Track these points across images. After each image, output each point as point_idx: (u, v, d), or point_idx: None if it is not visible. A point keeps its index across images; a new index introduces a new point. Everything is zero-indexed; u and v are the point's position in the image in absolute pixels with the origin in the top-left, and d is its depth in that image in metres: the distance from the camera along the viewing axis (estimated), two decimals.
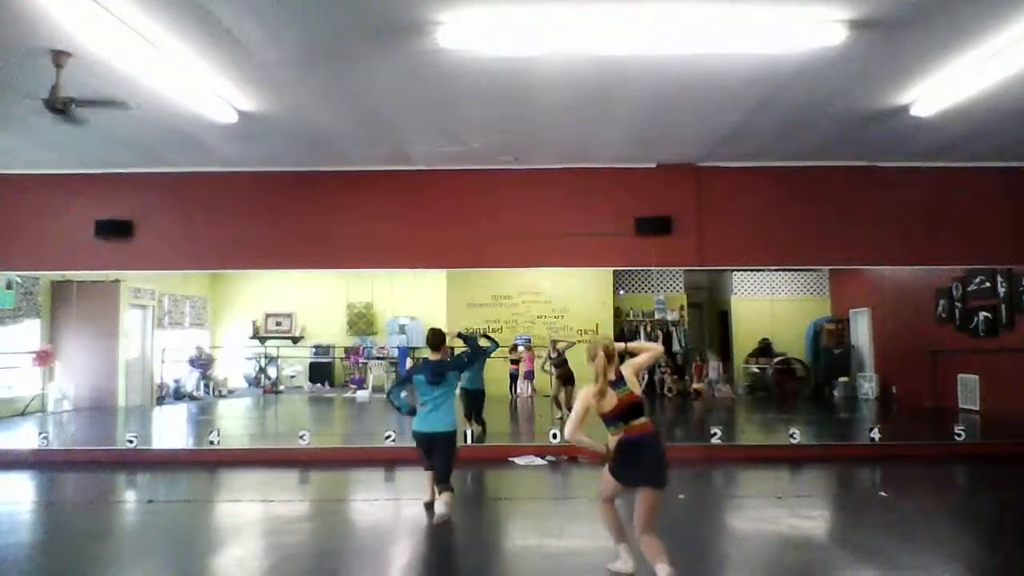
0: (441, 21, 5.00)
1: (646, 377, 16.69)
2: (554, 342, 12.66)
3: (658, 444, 4.42)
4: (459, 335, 9.39)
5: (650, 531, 4.25)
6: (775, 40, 5.25)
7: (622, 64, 5.80)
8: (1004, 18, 5.01)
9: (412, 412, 6.31)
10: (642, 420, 4.38)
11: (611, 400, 4.34)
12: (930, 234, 8.91)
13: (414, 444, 6.34)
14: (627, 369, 4.49)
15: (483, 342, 8.89)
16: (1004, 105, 6.66)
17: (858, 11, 4.89)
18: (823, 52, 5.49)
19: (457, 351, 9.64)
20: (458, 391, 8.98)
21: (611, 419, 4.39)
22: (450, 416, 6.26)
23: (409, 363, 17.68)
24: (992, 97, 6.39)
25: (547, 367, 12.58)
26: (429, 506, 6.31)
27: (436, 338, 6.51)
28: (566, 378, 12.03)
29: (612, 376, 4.40)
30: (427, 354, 6.55)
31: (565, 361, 12.19)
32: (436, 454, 6.20)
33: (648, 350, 4.62)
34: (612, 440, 4.41)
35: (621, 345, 4.66)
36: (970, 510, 6.77)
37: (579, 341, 13.23)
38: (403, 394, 6.45)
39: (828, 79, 6.14)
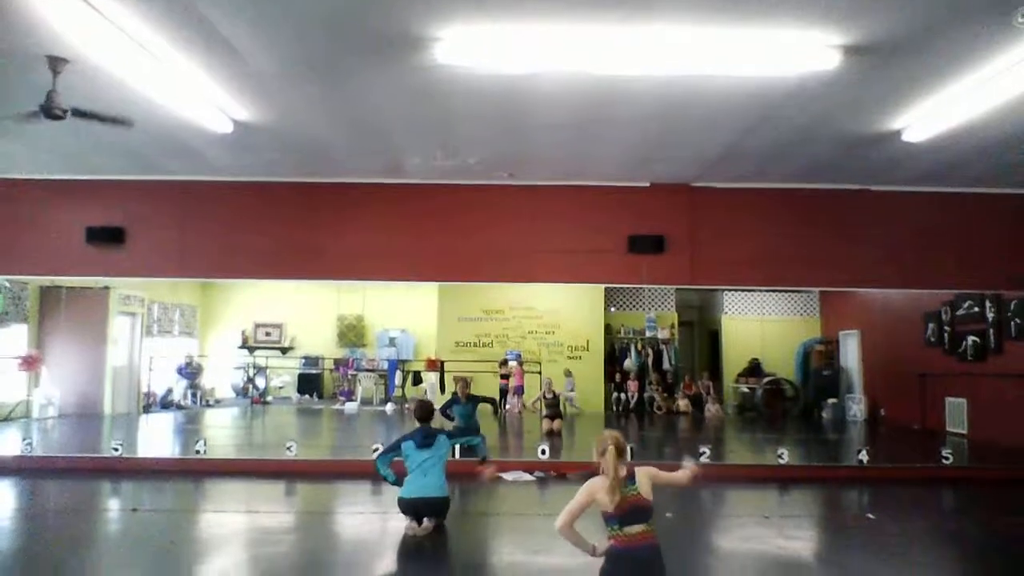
0: (439, 37, 5.04)
1: (636, 395, 16.70)
2: (549, 381, 12.71)
3: (657, 561, 3.90)
4: (463, 384, 10.15)
5: None
6: (770, 63, 5.30)
7: (618, 84, 5.84)
8: (994, 47, 5.08)
9: (398, 482, 6.15)
10: (641, 528, 3.88)
11: (614, 497, 3.88)
12: (921, 258, 8.98)
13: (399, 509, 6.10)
14: (644, 474, 4.06)
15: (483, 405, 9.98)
16: (994, 132, 6.74)
17: (852, 37, 4.95)
18: (817, 76, 5.55)
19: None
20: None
21: (609, 518, 3.92)
22: (441, 480, 6.10)
23: (399, 375, 17.65)
24: (982, 124, 6.46)
25: (539, 405, 12.63)
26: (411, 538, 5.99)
27: (424, 410, 6.45)
28: (556, 415, 12.18)
29: (623, 473, 3.97)
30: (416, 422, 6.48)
31: (558, 402, 12.29)
32: (426, 516, 6.00)
33: (679, 480, 4.24)
34: (604, 543, 3.95)
35: (655, 471, 4.16)
36: (957, 534, 6.77)
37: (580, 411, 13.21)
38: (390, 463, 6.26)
39: (821, 103, 6.20)
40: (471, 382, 11.02)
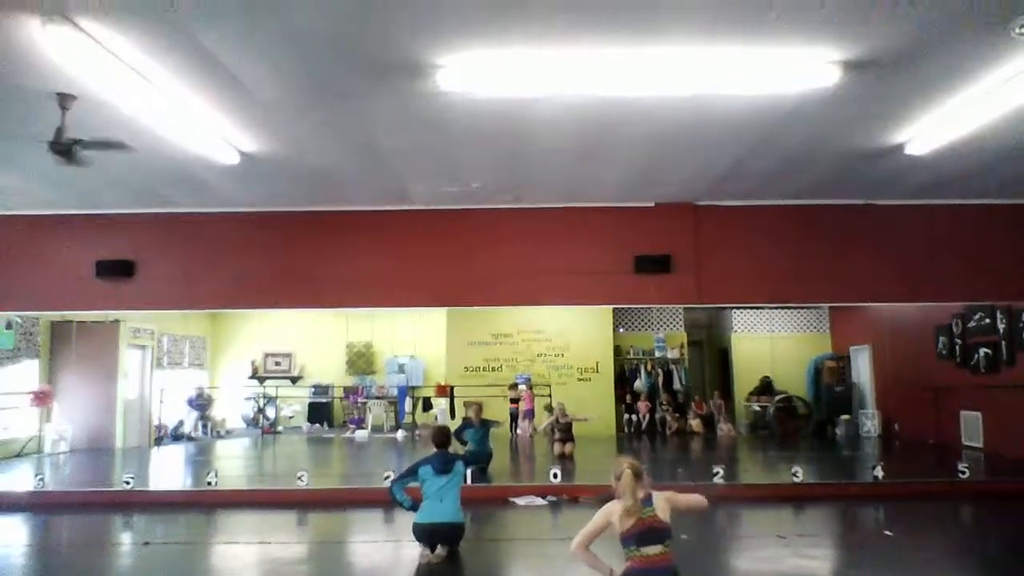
0: (440, 64, 5.09)
1: (647, 416, 16.63)
2: (562, 407, 12.65)
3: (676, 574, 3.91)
4: (477, 409, 10.48)
5: None
6: (771, 81, 5.33)
7: (620, 105, 5.88)
8: (995, 58, 5.09)
9: (413, 508, 6.14)
10: (659, 549, 3.89)
11: (630, 519, 3.93)
12: (929, 271, 8.95)
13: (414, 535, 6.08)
14: (662, 497, 4.09)
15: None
16: (997, 143, 6.74)
17: (851, 52, 4.97)
18: (818, 93, 5.58)
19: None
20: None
21: (625, 539, 3.96)
22: (457, 505, 6.11)
23: (409, 402, 17.63)
24: (985, 135, 6.47)
25: (549, 429, 12.54)
26: (424, 566, 5.94)
27: (442, 436, 6.48)
28: (568, 439, 12.10)
29: (640, 495, 4.01)
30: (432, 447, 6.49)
31: (571, 426, 12.22)
32: (440, 542, 6.00)
33: (696, 504, 4.29)
34: (620, 568, 3.96)
35: (672, 495, 4.21)
36: (975, 548, 6.69)
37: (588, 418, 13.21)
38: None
39: (823, 119, 6.22)
40: (483, 407, 11.05)
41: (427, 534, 5.98)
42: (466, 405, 10.82)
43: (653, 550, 3.87)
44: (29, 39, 4.61)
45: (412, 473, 6.26)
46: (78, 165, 5.95)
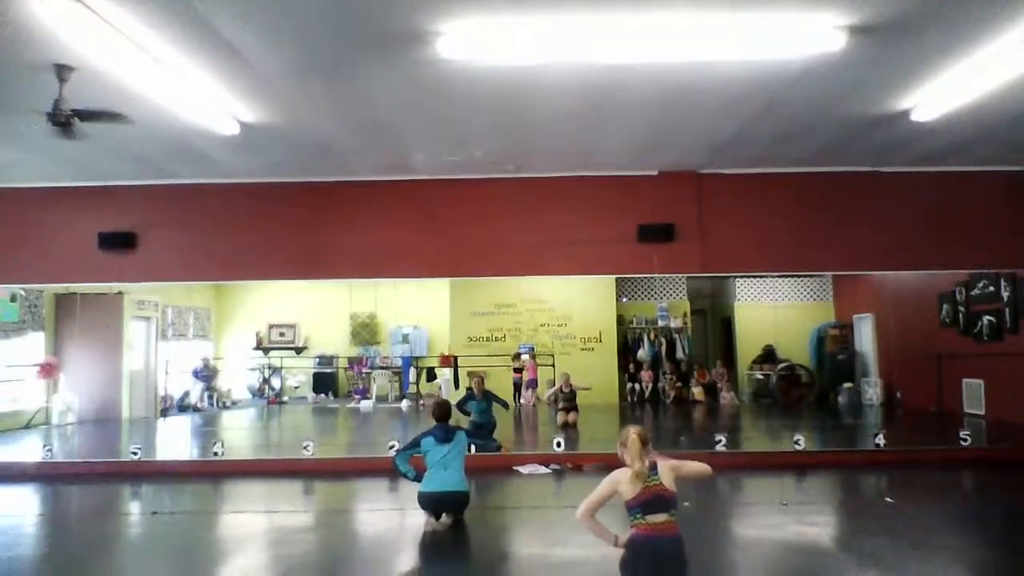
0: (441, 32, 5.03)
1: (650, 385, 16.70)
2: (567, 376, 12.67)
3: (679, 552, 3.93)
4: (479, 381, 10.46)
5: None
6: (775, 47, 5.26)
7: (622, 72, 5.82)
8: (1002, 22, 5.02)
9: (418, 478, 6.19)
10: (664, 517, 3.90)
11: (638, 487, 3.93)
12: (933, 238, 8.91)
13: (419, 505, 6.14)
14: (667, 466, 4.08)
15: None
16: (1005, 109, 6.66)
17: (857, 17, 4.90)
18: (823, 58, 5.51)
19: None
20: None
21: (631, 507, 3.96)
22: (461, 474, 6.18)
23: (413, 372, 17.70)
24: (993, 101, 6.39)
25: (553, 398, 12.57)
26: (430, 533, 6.01)
27: (443, 410, 6.51)
28: (572, 408, 12.14)
29: (647, 462, 4.00)
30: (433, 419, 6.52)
31: (575, 396, 12.24)
32: (446, 511, 6.09)
33: (701, 472, 4.24)
34: (625, 535, 3.98)
35: (677, 463, 4.20)
36: (977, 515, 6.74)
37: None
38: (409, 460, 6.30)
39: (828, 85, 6.15)
40: (485, 378, 11.07)
41: (432, 503, 6.05)
42: (469, 375, 10.84)
43: (658, 518, 3.89)
44: (27, 10, 4.56)
45: (415, 445, 6.30)
46: (76, 138, 5.93)
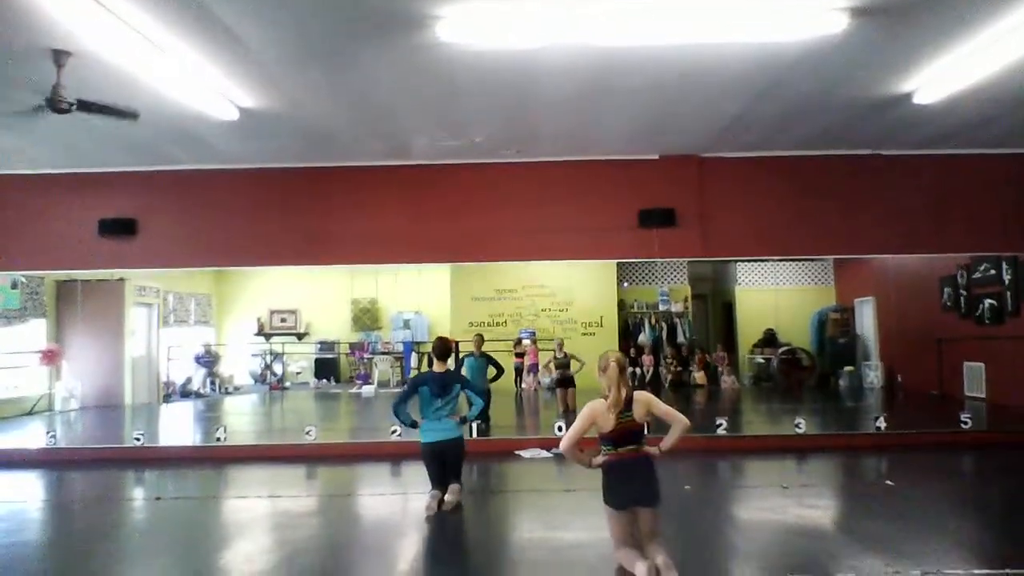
0: (440, 15, 5.00)
1: (652, 369, 16.72)
2: (560, 341, 12.66)
3: (647, 464, 4.42)
4: (479, 340, 10.32)
5: (655, 539, 4.35)
6: (776, 29, 5.23)
7: (623, 55, 5.79)
8: (1005, 4, 4.98)
9: (414, 426, 6.31)
10: (633, 447, 4.42)
11: (612, 421, 4.38)
12: (935, 222, 8.89)
13: (423, 459, 6.32)
14: (641, 402, 4.43)
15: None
16: (1008, 91, 6.64)
17: None
18: (824, 40, 5.48)
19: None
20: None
21: (604, 439, 4.44)
22: (453, 422, 6.31)
23: (414, 357, 17.73)
24: (995, 84, 6.37)
25: (550, 365, 12.59)
26: (431, 518, 6.02)
27: (442, 347, 6.52)
28: (567, 381, 12.05)
29: (624, 392, 4.39)
30: (434, 364, 6.52)
31: (568, 363, 12.20)
32: (447, 461, 6.23)
33: (678, 422, 4.45)
34: (599, 459, 4.51)
35: (652, 399, 4.51)
36: (977, 498, 6.76)
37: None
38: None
39: (830, 68, 6.12)
40: (483, 339, 10.86)
41: (433, 454, 6.22)
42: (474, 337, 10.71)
43: (628, 448, 4.41)
44: None
45: (412, 392, 6.37)
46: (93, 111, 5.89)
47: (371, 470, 8.16)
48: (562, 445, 4.44)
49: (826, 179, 8.97)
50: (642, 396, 4.46)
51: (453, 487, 6.19)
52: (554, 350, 12.60)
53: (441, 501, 6.14)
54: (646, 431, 4.54)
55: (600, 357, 4.51)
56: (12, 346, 12.82)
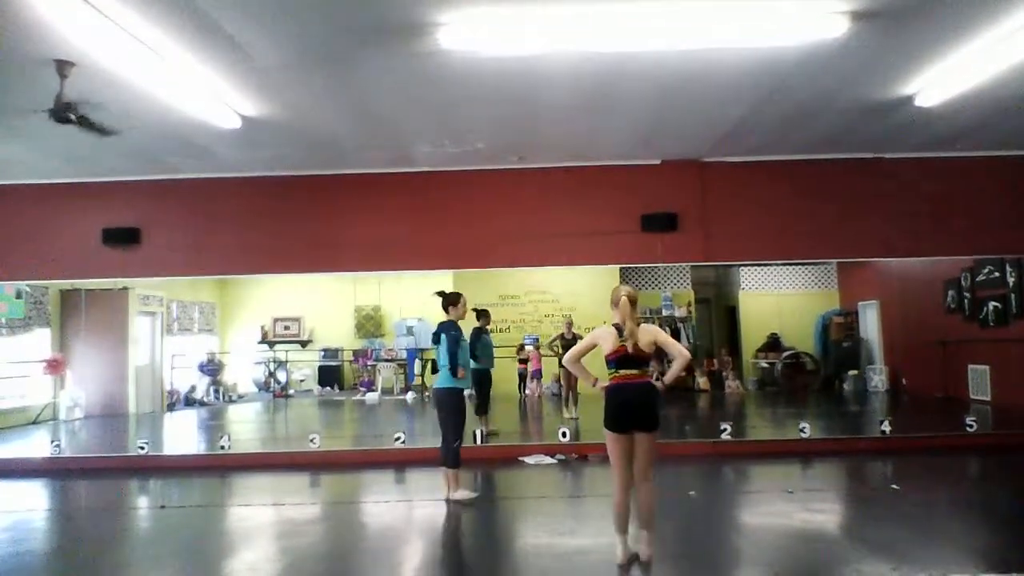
0: (441, 22, 5.02)
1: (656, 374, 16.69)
2: (570, 319, 12.48)
3: (647, 390, 4.59)
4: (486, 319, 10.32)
5: (648, 479, 4.62)
6: (777, 33, 5.24)
7: (624, 61, 5.80)
8: (1007, 6, 4.99)
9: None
10: (634, 371, 4.60)
11: (615, 344, 4.58)
12: (938, 225, 8.88)
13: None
14: (648, 332, 4.64)
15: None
16: (1009, 94, 6.63)
17: (859, 2, 4.88)
18: (825, 44, 5.49)
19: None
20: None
21: (608, 361, 4.66)
22: (444, 371, 6.77)
23: (418, 364, 17.73)
24: (997, 86, 6.37)
25: (555, 346, 12.37)
26: (447, 501, 6.67)
27: (444, 300, 7.18)
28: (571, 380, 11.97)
29: (633, 324, 4.58)
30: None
31: (575, 343, 12.00)
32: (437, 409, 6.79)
33: (680, 354, 4.66)
34: (603, 382, 4.72)
35: (658, 332, 4.76)
36: (983, 502, 6.73)
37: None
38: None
39: (831, 71, 6.12)
40: (480, 314, 10.26)
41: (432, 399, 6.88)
42: (476, 312, 10.09)
43: (631, 371, 4.58)
44: (27, 5, 4.56)
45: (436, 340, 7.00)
46: (97, 130, 5.94)
47: (375, 477, 8.15)
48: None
49: (828, 183, 8.96)
50: (649, 327, 4.71)
51: (449, 479, 6.71)
52: (563, 330, 12.28)
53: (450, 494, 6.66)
54: (651, 364, 4.81)
55: (613, 290, 4.72)
56: (17, 355, 12.85)
